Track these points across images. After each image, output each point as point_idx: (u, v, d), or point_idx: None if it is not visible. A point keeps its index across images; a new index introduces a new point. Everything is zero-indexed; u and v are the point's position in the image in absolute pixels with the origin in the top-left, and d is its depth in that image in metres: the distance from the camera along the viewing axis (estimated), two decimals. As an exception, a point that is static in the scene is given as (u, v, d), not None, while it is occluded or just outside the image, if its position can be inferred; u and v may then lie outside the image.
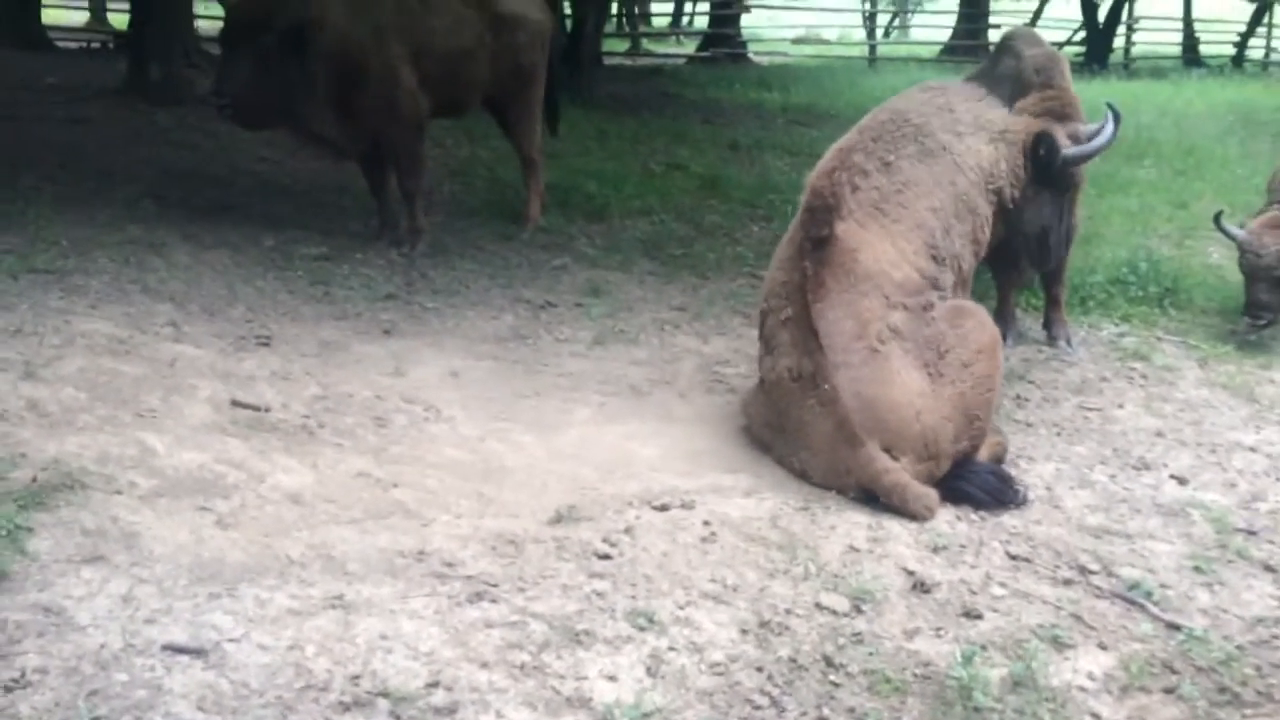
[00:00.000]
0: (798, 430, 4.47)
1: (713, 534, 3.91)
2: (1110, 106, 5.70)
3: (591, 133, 12.37)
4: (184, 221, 7.45)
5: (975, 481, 4.41)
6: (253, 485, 3.92)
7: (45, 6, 19.89)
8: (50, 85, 12.71)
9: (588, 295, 6.90)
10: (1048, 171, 5.34)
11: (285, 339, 5.63)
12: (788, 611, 3.48)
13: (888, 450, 4.28)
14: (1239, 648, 3.49)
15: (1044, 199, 5.51)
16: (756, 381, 4.92)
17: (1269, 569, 4.05)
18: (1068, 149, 5.37)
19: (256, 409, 4.60)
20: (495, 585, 3.42)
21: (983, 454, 4.64)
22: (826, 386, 4.31)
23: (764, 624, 3.39)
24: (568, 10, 16.57)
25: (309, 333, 5.79)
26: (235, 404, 4.60)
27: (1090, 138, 5.54)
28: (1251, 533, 4.32)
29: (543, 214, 8.50)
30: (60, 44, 18.72)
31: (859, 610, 3.53)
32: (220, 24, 7.11)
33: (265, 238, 7.38)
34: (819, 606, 3.52)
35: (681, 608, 3.42)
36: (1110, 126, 5.51)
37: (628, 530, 3.88)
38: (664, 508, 4.08)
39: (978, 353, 4.55)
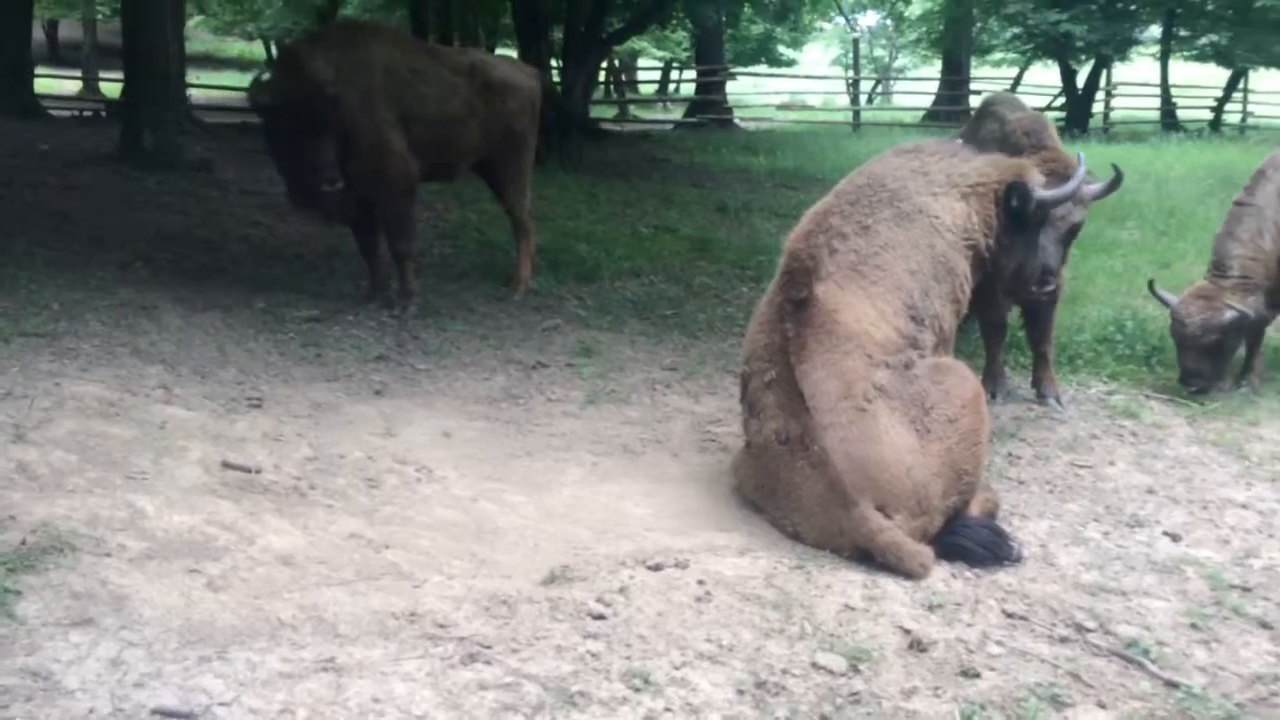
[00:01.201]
0: (789, 493, 4.46)
1: (707, 593, 3.89)
2: (1115, 167, 5.94)
3: (581, 196, 12.52)
4: (175, 284, 7.48)
5: (970, 536, 4.40)
6: (243, 547, 3.89)
7: (38, 76, 20.11)
8: (43, 152, 12.82)
9: (579, 356, 6.93)
10: (1022, 219, 5.39)
11: (277, 400, 5.62)
12: (784, 671, 3.44)
13: (880, 509, 4.27)
14: (1238, 705, 3.46)
15: (1019, 245, 5.56)
16: (743, 445, 4.92)
17: (1265, 625, 4.03)
18: (1041, 193, 5.45)
19: (248, 470, 4.57)
20: (488, 646, 3.38)
21: (974, 510, 4.63)
22: (816, 448, 4.32)
23: (760, 684, 3.35)
24: (556, 78, 16.85)
25: (300, 394, 5.79)
26: (226, 466, 4.58)
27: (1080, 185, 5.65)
28: (1246, 589, 4.31)
29: (534, 276, 8.57)
30: (53, 112, 18.91)
31: (856, 670, 3.49)
32: (262, 109, 7.00)
33: (256, 300, 7.41)
34: (815, 666, 3.49)
35: (677, 668, 3.39)
36: (1081, 171, 5.61)
37: (622, 590, 3.85)
38: (658, 567, 4.05)
39: (962, 407, 4.57)
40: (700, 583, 3.95)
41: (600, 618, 3.65)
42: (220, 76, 31.01)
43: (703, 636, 3.59)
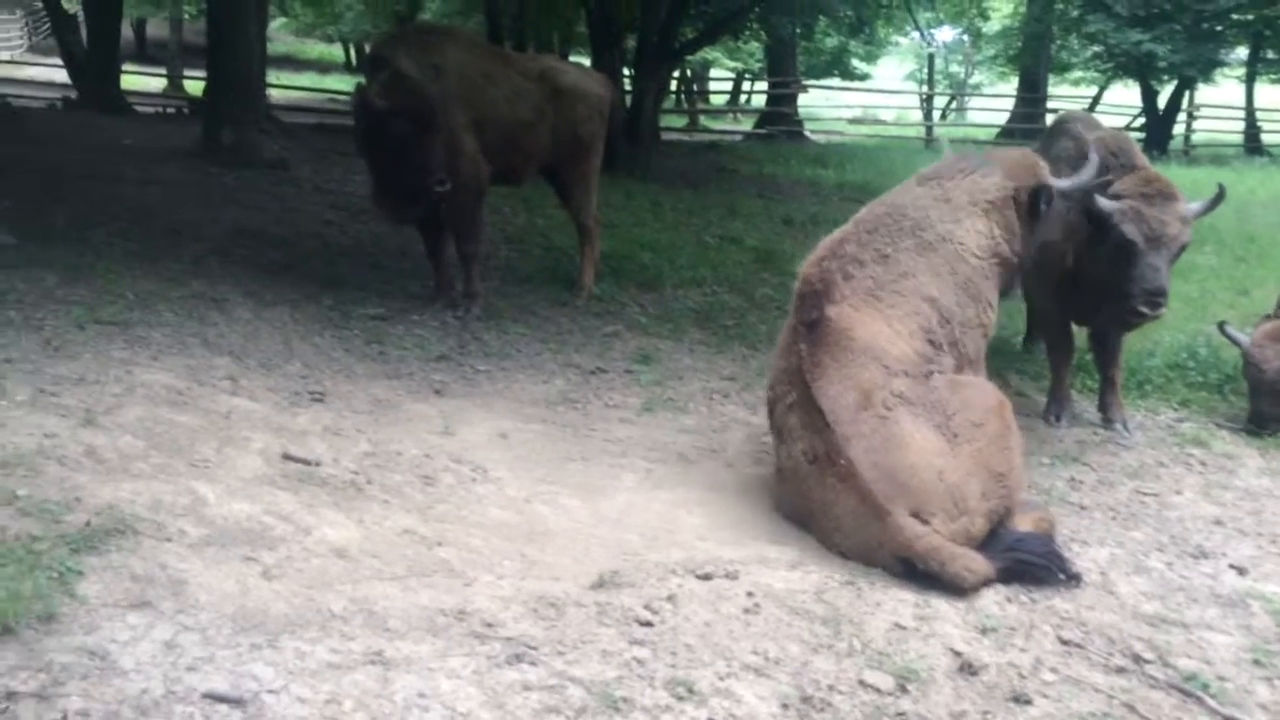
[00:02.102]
0: (825, 512, 4.42)
1: (756, 605, 3.86)
2: (1220, 186, 6.00)
3: (647, 204, 12.56)
4: (246, 279, 7.64)
5: (1028, 548, 4.29)
6: (299, 538, 3.95)
7: (125, 73, 20.71)
8: (127, 147, 13.19)
9: (638, 362, 6.94)
10: (1043, 218, 5.35)
11: (338, 395, 5.71)
12: (830, 688, 3.40)
13: (916, 515, 4.20)
14: (1302, 746, 3.35)
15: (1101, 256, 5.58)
16: (775, 470, 4.89)
17: (1334, 666, 3.89)
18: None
19: (307, 463, 4.65)
20: (535, 648, 3.39)
21: (1028, 527, 4.54)
22: (842, 461, 4.27)
23: (806, 699, 3.32)
24: (628, 86, 16.93)
25: (362, 390, 5.87)
26: (286, 457, 4.66)
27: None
28: (1316, 627, 4.17)
29: (596, 282, 8.61)
30: (139, 108, 19.45)
31: (904, 690, 3.44)
32: (371, 115, 7.05)
33: (324, 297, 7.54)
34: (863, 684, 3.44)
35: (722, 679, 3.36)
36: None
37: (670, 598, 3.84)
38: (707, 577, 4.03)
39: (985, 412, 4.50)
40: (749, 594, 3.92)
41: (647, 624, 3.64)
42: (299, 78, 31.70)
43: (749, 648, 3.57)
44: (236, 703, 2.88)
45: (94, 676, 2.90)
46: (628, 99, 16.38)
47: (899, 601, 4.02)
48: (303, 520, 4.09)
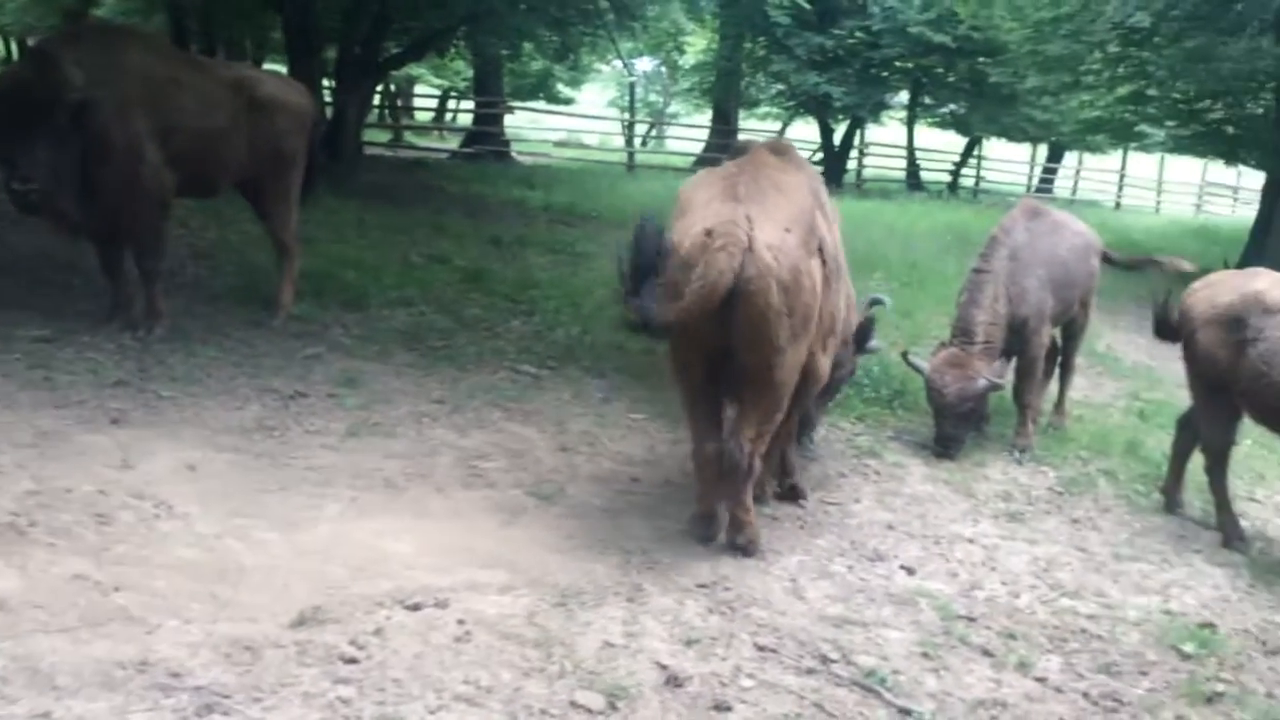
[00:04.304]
0: None
1: (467, 633, 3.81)
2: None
3: (350, 221, 12.16)
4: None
5: None
6: (-54, 591, 3.49)
7: None
8: None
9: (342, 386, 6.68)
10: None
11: (-5, 427, 5.10)
12: (542, 712, 3.41)
13: None
14: (963, 729, 3.71)
15: None
16: None
17: (987, 653, 4.36)
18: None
19: (-45, 505, 4.12)
20: (227, 696, 3.17)
21: None
22: None
23: (517, 726, 3.31)
24: (328, 98, 16.36)
25: (24, 421, 5.28)
26: (-71, 500, 4.11)
27: None
28: (972, 619, 4.65)
29: (296, 302, 8.20)
30: None
31: (614, 708, 3.51)
32: None
33: (-24, 317, 6.73)
34: (574, 705, 3.48)
35: (432, 712, 3.29)
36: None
37: (377, 631, 3.71)
38: (417, 607, 3.94)
39: None
40: (460, 622, 3.87)
41: (352, 661, 3.50)
42: (-53, 68, 28.22)
43: (460, 678, 3.52)
44: None
45: None
46: (328, 112, 15.79)
47: (609, 620, 4.10)
48: (-50, 571, 3.62)
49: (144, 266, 7.21)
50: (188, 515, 4.56)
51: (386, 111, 32.18)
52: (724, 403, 5.02)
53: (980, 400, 7.01)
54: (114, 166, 6.79)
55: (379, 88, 26.06)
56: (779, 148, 5.57)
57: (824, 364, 5.40)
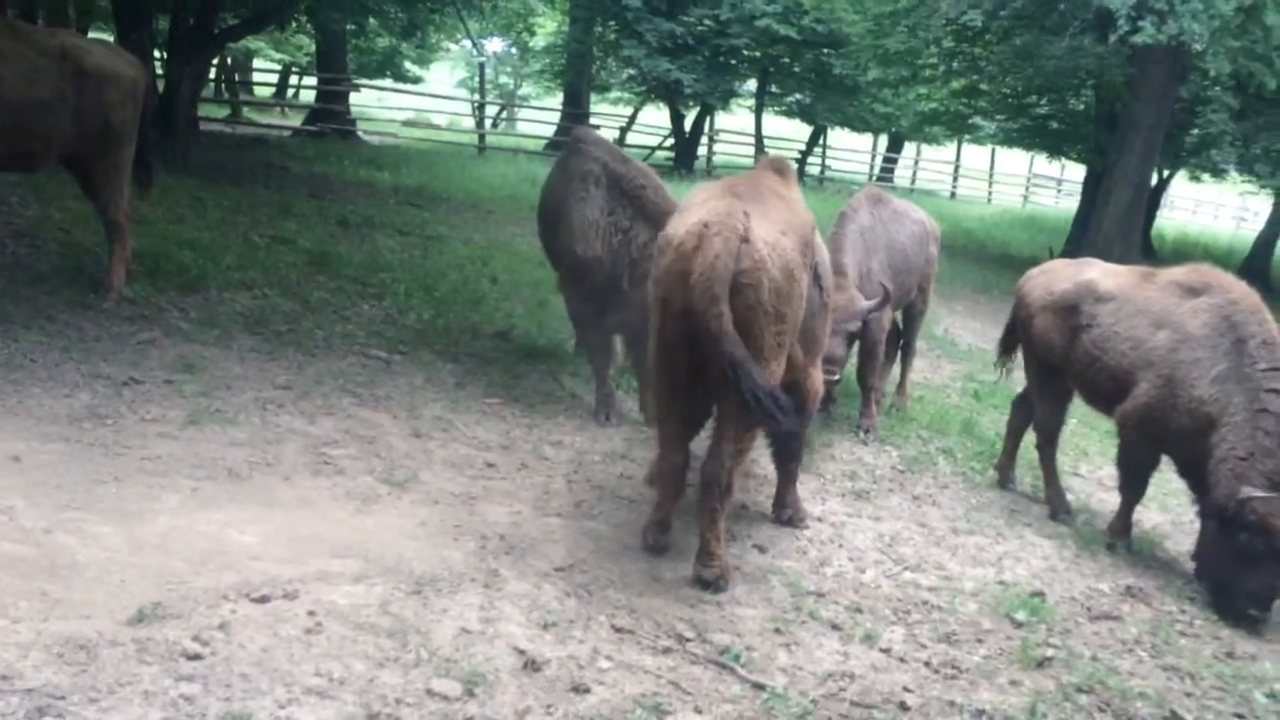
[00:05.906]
0: None
1: (318, 624, 3.71)
2: None
3: (186, 200, 11.59)
4: None
5: None
6: None
7: None
8: None
9: (180, 371, 6.39)
10: None
11: None
12: (398, 701, 3.36)
13: None
14: (813, 701, 3.84)
15: None
16: None
17: (835, 627, 4.51)
18: None
19: None
20: (61, 698, 3.01)
21: None
22: None
23: (372, 716, 3.25)
24: (160, 70, 15.54)
25: None
26: None
27: None
28: (821, 595, 4.81)
29: (128, 283, 7.78)
30: None
31: (471, 694, 3.48)
32: None
33: None
34: (430, 693, 3.44)
35: (282, 706, 3.20)
36: None
37: (222, 626, 3.58)
38: (264, 599, 3.82)
39: None
40: (311, 613, 3.77)
41: (196, 658, 3.37)
42: None
43: (311, 671, 3.43)
44: None
45: None
46: (161, 85, 14.99)
47: (465, 606, 4.07)
48: None
49: (-43, 245, 6.72)
50: (12, 509, 4.29)
51: (223, 86, 30.82)
52: (698, 421, 4.88)
53: (864, 322, 7.10)
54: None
55: (215, 61, 24.94)
56: (780, 166, 5.62)
57: (818, 380, 5.50)
